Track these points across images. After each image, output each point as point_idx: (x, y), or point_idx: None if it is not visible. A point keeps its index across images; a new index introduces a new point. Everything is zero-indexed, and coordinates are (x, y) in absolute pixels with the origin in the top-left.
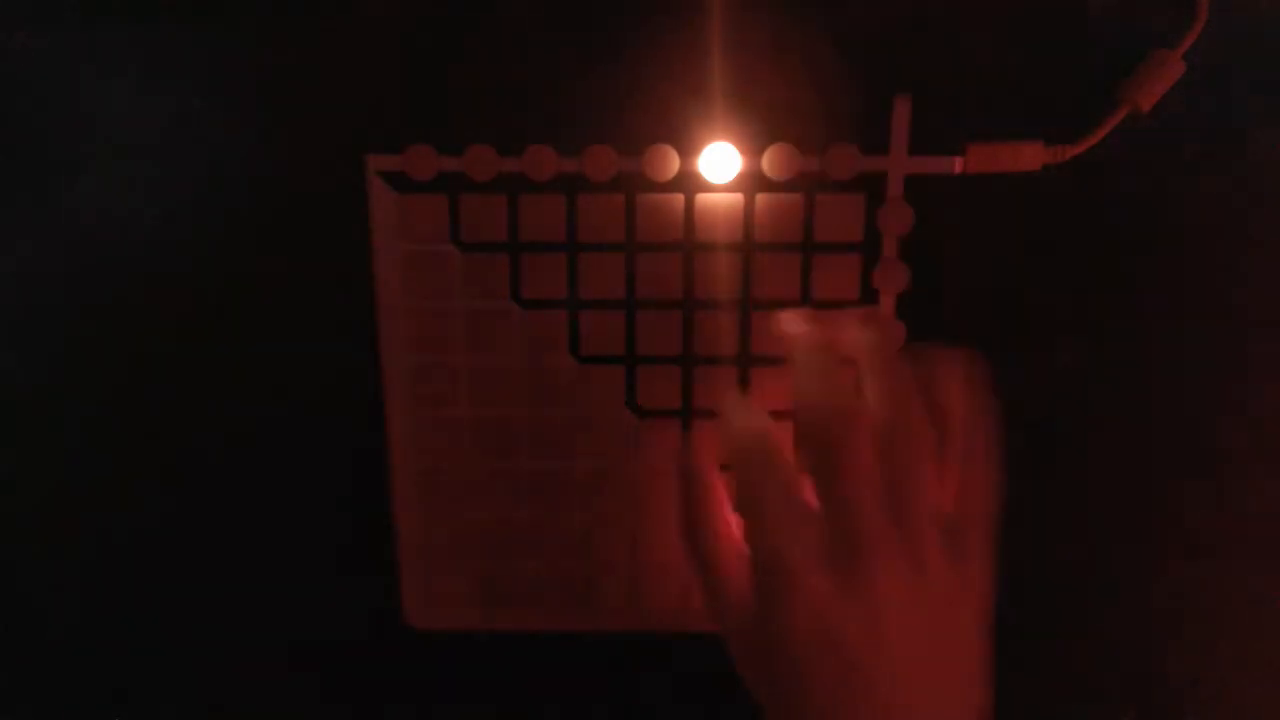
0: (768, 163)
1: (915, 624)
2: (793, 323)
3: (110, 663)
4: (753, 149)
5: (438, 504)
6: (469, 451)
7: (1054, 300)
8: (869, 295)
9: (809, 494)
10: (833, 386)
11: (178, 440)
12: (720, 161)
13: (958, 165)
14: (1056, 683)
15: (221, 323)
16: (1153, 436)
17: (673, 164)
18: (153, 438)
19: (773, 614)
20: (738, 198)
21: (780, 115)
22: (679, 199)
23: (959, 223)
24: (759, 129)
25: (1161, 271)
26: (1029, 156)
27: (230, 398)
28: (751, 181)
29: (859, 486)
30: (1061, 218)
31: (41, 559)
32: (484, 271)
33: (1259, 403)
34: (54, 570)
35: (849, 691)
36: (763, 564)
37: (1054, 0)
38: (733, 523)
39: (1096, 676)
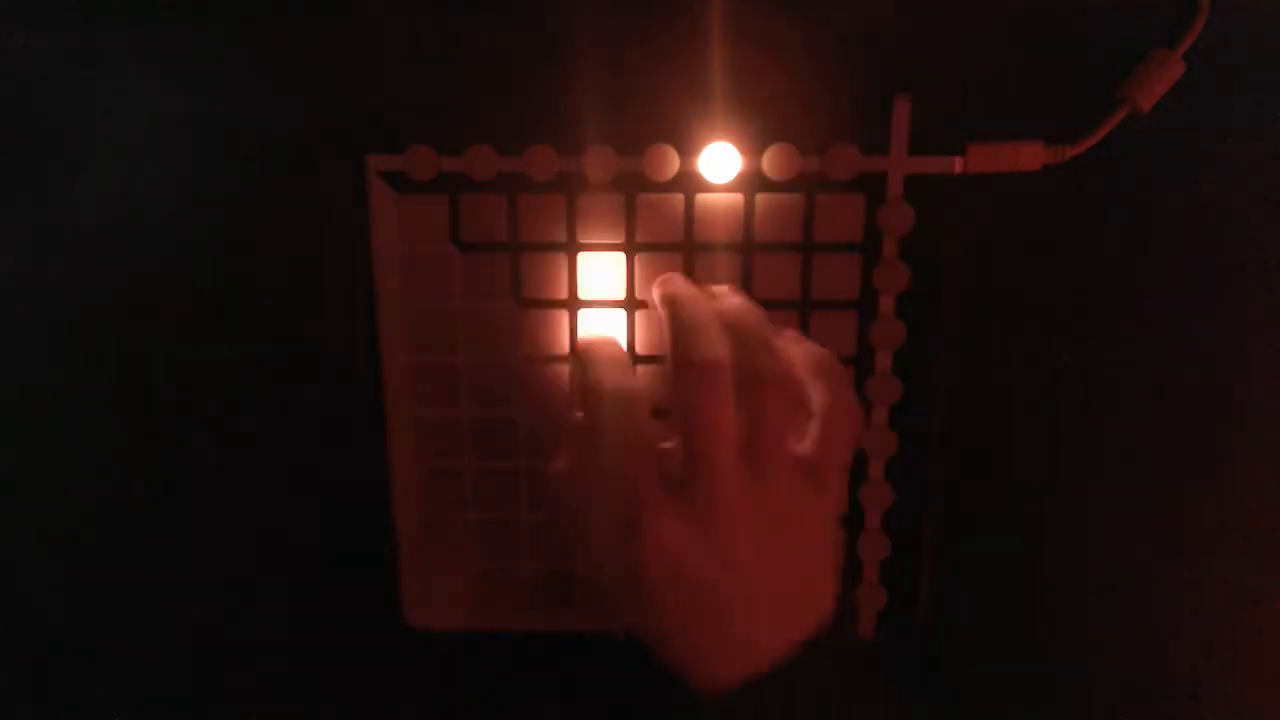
0: (768, 163)
1: (764, 554)
2: (669, 283)
3: (110, 663)
4: (753, 149)
5: (438, 504)
6: (469, 452)
7: (1054, 300)
8: (869, 295)
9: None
10: (701, 339)
11: (177, 440)
12: (720, 161)
13: (958, 165)
14: (1057, 682)
15: (221, 322)
16: (1152, 436)
17: (673, 164)
18: (152, 437)
19: (625, 547)
20: (738, 198)
21: (780, 115)
22: (679, 199)
23: (959, 223)
24: (759, 129)
25: (1161, 271)
26: (1029, 156)
27: (230, 397)
28: (751, 181)
29: (713, 425)
30: (1061, 218)
31: (41, 558)
32: (484, 271)
33: (1259, 402)
34: (53, 570)
35: (699, 616)
36: (614, 501)
37: (1054, 0)
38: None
39: (1097, 676)
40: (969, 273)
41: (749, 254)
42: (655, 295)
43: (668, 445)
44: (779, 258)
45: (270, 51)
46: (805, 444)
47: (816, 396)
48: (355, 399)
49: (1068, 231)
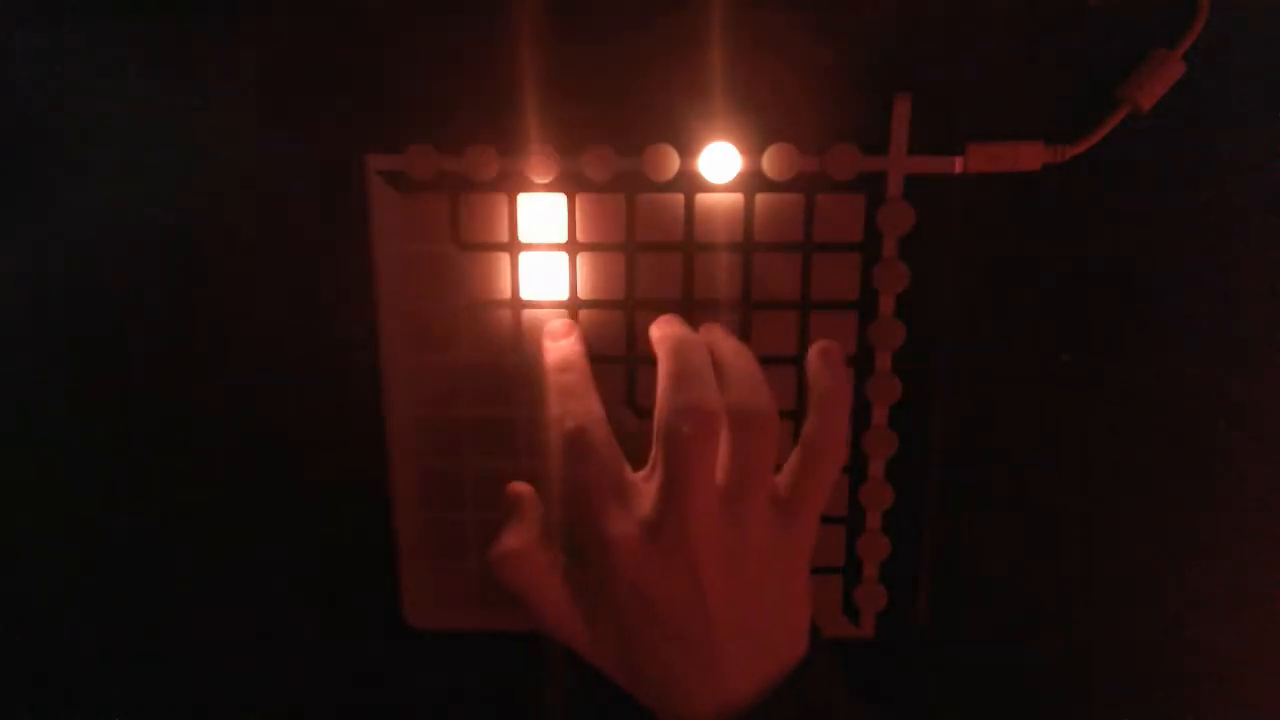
0: (768, 163)
1: (736, 592)
2: (664, 325)
3: (110, 663)
4: (753, 149)
5: (438, 504)
6: (469, 451)
7: (1054, 300)
8: (869, 295)
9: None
10: (695, 385)
11: (177, 440)
12: (720, 161)
13: (958, 165)
14: (1057, 683)
15: (221, 322)
16: (1152, 436)
17: (673, 164)
18: (152, 437)
19: (596, 582)
20: (738, 198)
21: (780, 115)
22: (679, 199)
23: (959, 223)
24: (759, 129)
25: (1161, 271)
26: (1029, 156)
27: (230, 397)
28: (751, 181)
29: (697, 474)
30: (1061, 218)
31: (41, 559)
32: (484, 271)
33: (1259, 402)
34: (53, 570)
35: (672, 654)
36: (585, 537)
37: (1054, 0)
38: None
39: (1097, 676)
40: (969, 273)
41: (749, 254)
42: (653, 336)
43: (641, 474)
44: (779, 258)
45: (270, 51)
46: (782, 478)
47: (806, 424)
48: (355, 399)
49: (1068, 231)
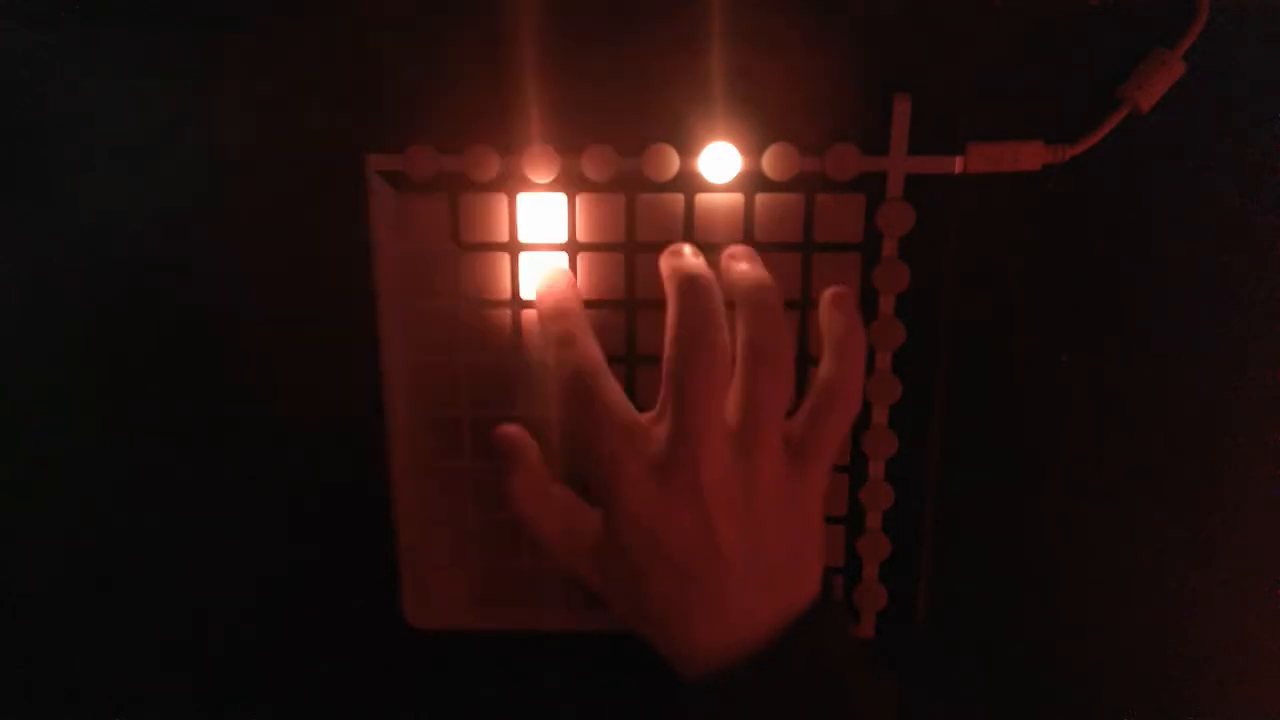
0: (768, 163)
1: (747, 530)
2: (677, 255)
3: (109, 662)
4: (753, 149)
5: (438, 504)
6: (469, 451)
7: (1054, 300)
8: (869, 295)
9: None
10: (705, 322)
11: (177, 440)
12: (720, 161)
13: (958, 165)
14: (1057, 683)
15: (221, 322)
16: (1152, 436)
17: (673, 164)
18: (152, 437)
19: (606, 524)
20: (738, 198)
21: (780, 115)
22: (679, 199)
23: (959, 223)
24: (759, 129)
25: (1161, 271)
26: (1029, 156)
27: (230, 397)
28: (751, 181)
29: (706, 408)
30: (1061, 218)
31: (41, 559)
32: (484, 271)
33: (1259, 401)
34: (53, 570)
35: (682, 593)
36: (593, 480)
37: (1054, 0)
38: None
39: (1097, 676)
40: (969, 273)
41: None
42: (662, 266)
43: (648, 416)
44: (779, 258)
45: (270, 51)
46: (796, 421)
47: (820, 369)
48: (355, 399)
49: (1068, 231)
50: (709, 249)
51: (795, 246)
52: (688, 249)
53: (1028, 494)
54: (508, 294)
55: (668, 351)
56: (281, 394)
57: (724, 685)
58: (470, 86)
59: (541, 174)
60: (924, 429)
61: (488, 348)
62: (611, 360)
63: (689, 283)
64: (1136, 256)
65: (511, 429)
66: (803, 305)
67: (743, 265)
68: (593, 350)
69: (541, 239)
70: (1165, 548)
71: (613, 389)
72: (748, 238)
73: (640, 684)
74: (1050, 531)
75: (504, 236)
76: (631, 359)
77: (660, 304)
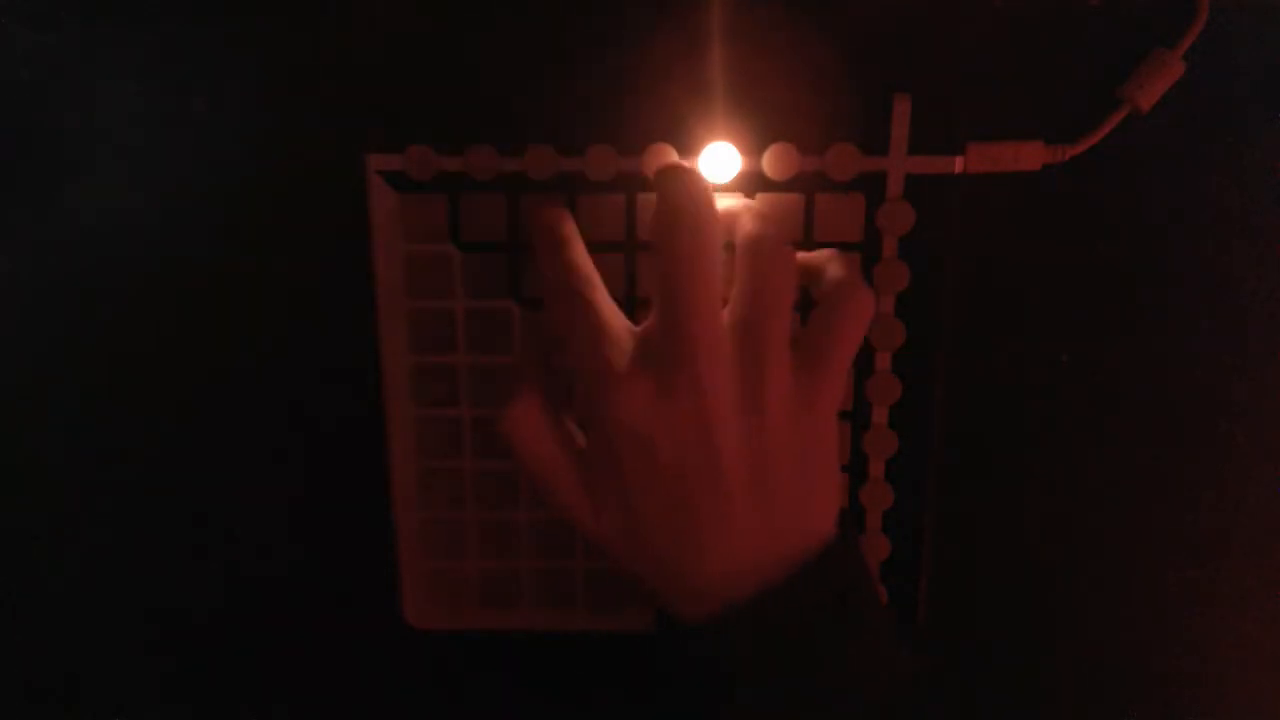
0: (768, 163)
1: (750, 443)
2: (667, 164)
3: (109, 662)
4: (753, 149)
5: (438, 504)
6: (469, 452)
7: (1054, 300)
8: None
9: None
10: (690, 205)
11: (177, 440)
12: (720, 161)
13: (958, 165)
14: (1057, 683)
15: (221, 322)
16: (1152, 436)
17: None
18: (152, 437)
19: (597, 441)
20: (738, 198)
21: (780, 115)
22: None
23: (959, 223)
24: (759, 129)
25: (1161, 271)
26: (1029, 156)
27: (230, 397)
28: (751, 181)
29: (692, 291)
30: (1061, 218)
31: (41, 558)
32: (484, 271)
33: (1259, 401)
34: (53, 570)
35: (680, 513)
36: (581, 392)
37: (1054, 0)
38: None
39: (1097, 676)
40: (969, 273)
41: None
42: (653, 174)
43: (641, 327)
44: None
45: (270, 51)
46: (808, 323)
47: (823, 278)
48: (355, 399)
49: (1068, 231)
50: None
51: (795, 246)
52: (680, 165)
53: (1028, 494)
54: (507, 294)
55: (651, 240)
56: (281, 393)
57: (727, 625)
58: (470, 86)
59: (541, 174)
60: (924, 429)
61: (488, 348)
62: None
63: (670, 170)
64: (1136, 256)
65: (525, 358)
66: (803, 305)
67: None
68: (583, 259)
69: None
70: (1165, 548)
71: (604, 298)
72: None
73: (639, 684)
74: (1050, 531)
75: (504, 236)
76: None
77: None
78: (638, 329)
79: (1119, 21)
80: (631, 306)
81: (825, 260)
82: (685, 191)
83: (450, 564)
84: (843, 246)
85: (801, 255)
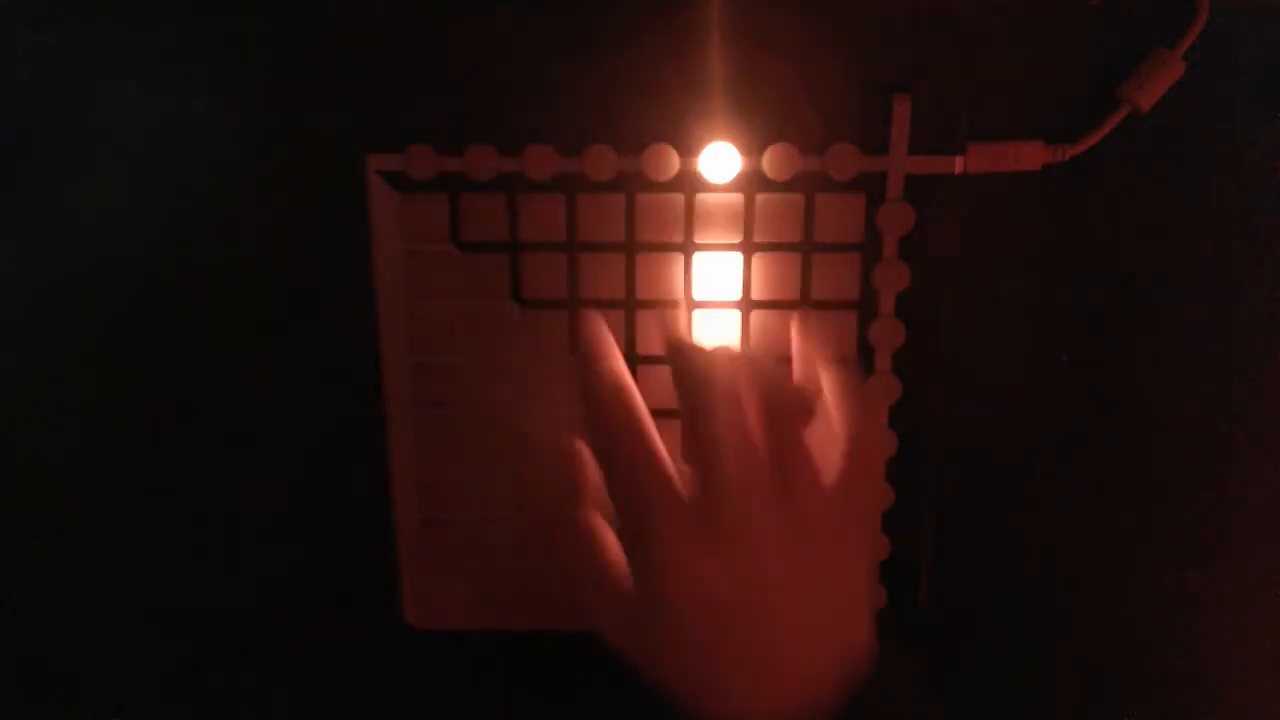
0: (768, 163)
1: (796, 577)
2: (671, 315)
3: (109, 662)
4: (753, 149)
5: (438, 504)
6: (469, 451)
7: (1054, 300)
8: (869, 295)
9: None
10: (712, 357)
11: (177, 440)
12: (720, 161)
13: (958, 165)
14: (1057, 682)
15: (221, 322)
16: (1152, 435)
17: (673, 164)
18: (152, 437)
19: (643, 572)
20: (738, 198)
21: (780, 115)
22: (679, 199)
23: (959, 223)
24: (759, 129)
25: (1161, 271)
26: (1029, 156)
27: (230, 397)
28: (751, 181)
29: (727, 439)
30: (1061, 218)
31: (41, 558)
32: (484, 271)
33: (1259, 401)
34: (53, 570)
35: (728, 644)
36: (630, 525)
37: (1054, 0)
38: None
39: (1097, 676)
40: (969, 273)
41: (749, 254)
42: (662, 330)
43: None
44: (779, 258)
45: (270, 51)
46: (833, 466)
47: (840, 420)
48: (355, 399)
49: (1068, 231)
50: (709, 249)
51: (795, 246)
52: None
53: (1027, 493)
54: (508, 294)
55: (680, 404)
56: (281, 393)
57: None
58: (470, 86)
59: (541, 174)
60: (924, 429)
61: (488, 348)
62: None
63: (679, 343)
64: (1136, 256)
65: (583, 451)
66: (803, 306)
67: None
68: (637, 397)
69: (542, 239)
70: (1165, 548)
71: (653, 438)
72: (747, 238)
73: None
74: (1050, 531)
75: (504, 236)
76: (632, 359)
77: (661, 304)
78: (683, 469)
79: (1119, 21)
80: (632, 307)
81: (829, 379)
82: (706, 359)
83: (450, 564)
84: (843, 247)
85: (800, 366)
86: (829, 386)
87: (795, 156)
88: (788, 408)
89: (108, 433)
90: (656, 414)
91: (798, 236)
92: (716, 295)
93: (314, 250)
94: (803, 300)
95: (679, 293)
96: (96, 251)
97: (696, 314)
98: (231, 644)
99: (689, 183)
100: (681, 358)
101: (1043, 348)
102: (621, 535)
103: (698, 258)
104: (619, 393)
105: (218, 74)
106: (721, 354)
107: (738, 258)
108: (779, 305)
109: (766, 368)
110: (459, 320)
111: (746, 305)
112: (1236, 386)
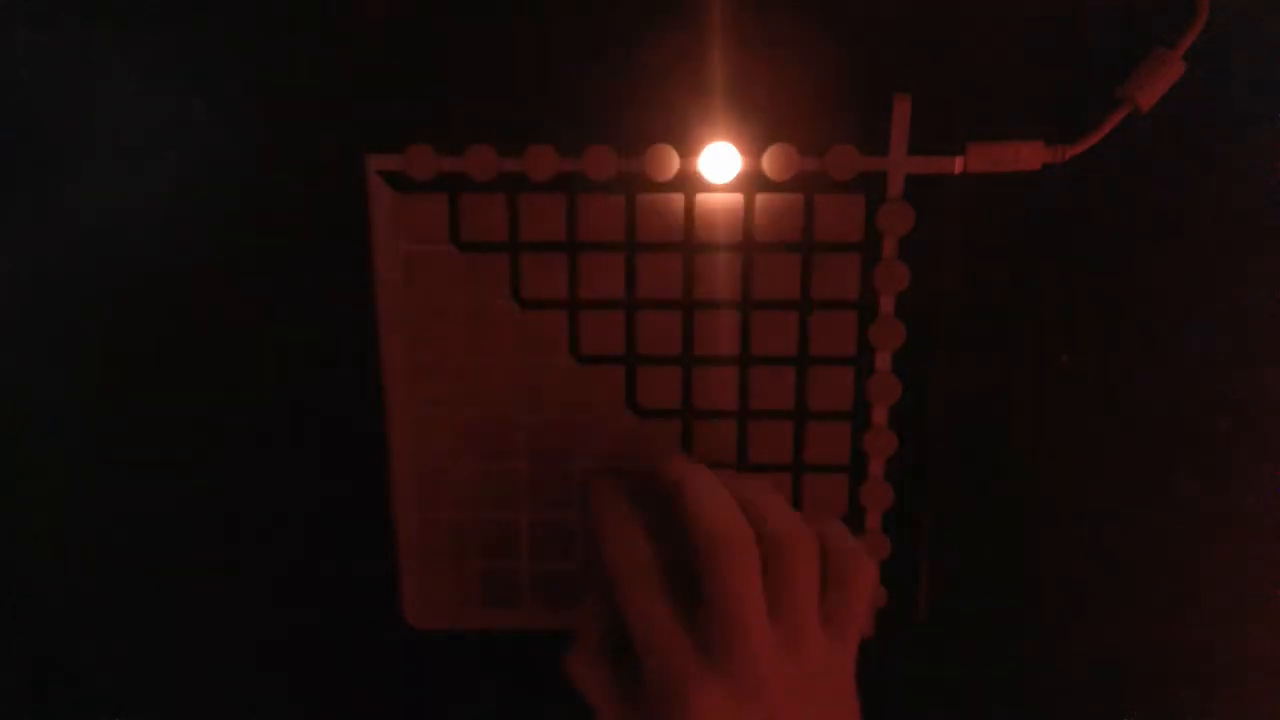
0: (768, 163)
1: (801, 707)
2: (677, 466)
3: (109, 662)
4: (753, 149)
5: (438, 504)
6: (469, 451)
7: (1053, 300)
8: (869, 295)
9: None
10: (717, 507)
11: (177, 440)
12: (720, 161)
13: (958, 165)
14: (1056, 683)
15: (221, 322)
16: (1152, 435)
17: (673, 164)
18: (152, 437)
19: (660, 711)
20: (738, 198)
21: (780, 115)
22: (679, 199)
23: (959, 223)
24: (759, 129)
25: (1161, 271)
26: (1029, 156)
27: (230, 397)
28: (751, 181)
29: (746, 600)
30: (1061, 218)
31: (40, 559)
32: (484, 271)
33: (1259, 400)
34: (53, 570)
35: None
36: (653, 676)
37: (1054, 0)
38: None
39: (1097, 676)
40: (969, 273)
41: (749, 254)
42: (669, 475)
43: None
44: (779, 258)
45: (270, 52)
46: (825, 597)
47: (830, 551)
48: (355, 399)
49: (1068, 231)
50: (709, 249)
51: (795, 246)
52: (681, 458)
53: (1027, 493)
54: (508, 294)
55: (695, 548)
56: (281, 394)
57: None
58: (470, 86)
59: (541, 174)
60: (924, 429)
61: (488, 348)
62: (611, 360)
63: (689, 480)
64: (1136, 256)
65: (596, 601)
66: (803, 306)
67: (735, 479)
68: (650, 542)
69: (542, 239)
70: (1165, 547)
71: (663, 592)
72: (747, 238)
73: None
74: (1050, 531)
75: (504, 236)
76: (631, 359)
77: (661, 304)
78: (696, 619)
79: (1119, 21)
80: (631, 307)
81: (823, 527)
82: (721, 505)
83: (450, 564)
84: (843, 247)
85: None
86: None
87: (795, 156)
88: (796, 548)
89: (107, 432)
90: (656, 414)
91: (798, 236)
92: (716, 295)
93: (314, 250)
94: (803, 300)
95: (678, 293)
96: (96, 251)
97: (696, 314)
98: (231, 644)
99: (689, 183)
100: (690, 499)
101: (1043, 348)
102: (646, 683)
103: (698, 258)
104: (639, 573)
105: (218, 74)
106: (726, 492)
107: (738, 258)
108: (779, 305)
109: (771, 508)
110: (459, 320)
111: (747, 305)
112: (1237, 386)
